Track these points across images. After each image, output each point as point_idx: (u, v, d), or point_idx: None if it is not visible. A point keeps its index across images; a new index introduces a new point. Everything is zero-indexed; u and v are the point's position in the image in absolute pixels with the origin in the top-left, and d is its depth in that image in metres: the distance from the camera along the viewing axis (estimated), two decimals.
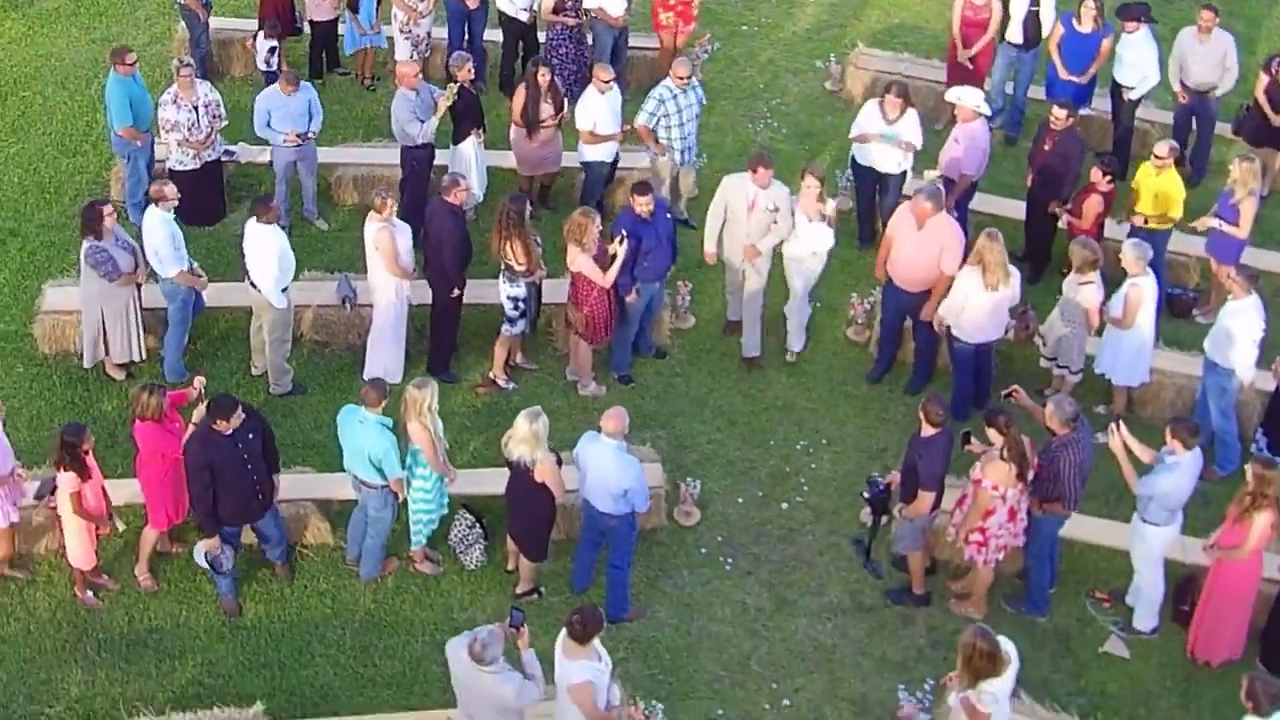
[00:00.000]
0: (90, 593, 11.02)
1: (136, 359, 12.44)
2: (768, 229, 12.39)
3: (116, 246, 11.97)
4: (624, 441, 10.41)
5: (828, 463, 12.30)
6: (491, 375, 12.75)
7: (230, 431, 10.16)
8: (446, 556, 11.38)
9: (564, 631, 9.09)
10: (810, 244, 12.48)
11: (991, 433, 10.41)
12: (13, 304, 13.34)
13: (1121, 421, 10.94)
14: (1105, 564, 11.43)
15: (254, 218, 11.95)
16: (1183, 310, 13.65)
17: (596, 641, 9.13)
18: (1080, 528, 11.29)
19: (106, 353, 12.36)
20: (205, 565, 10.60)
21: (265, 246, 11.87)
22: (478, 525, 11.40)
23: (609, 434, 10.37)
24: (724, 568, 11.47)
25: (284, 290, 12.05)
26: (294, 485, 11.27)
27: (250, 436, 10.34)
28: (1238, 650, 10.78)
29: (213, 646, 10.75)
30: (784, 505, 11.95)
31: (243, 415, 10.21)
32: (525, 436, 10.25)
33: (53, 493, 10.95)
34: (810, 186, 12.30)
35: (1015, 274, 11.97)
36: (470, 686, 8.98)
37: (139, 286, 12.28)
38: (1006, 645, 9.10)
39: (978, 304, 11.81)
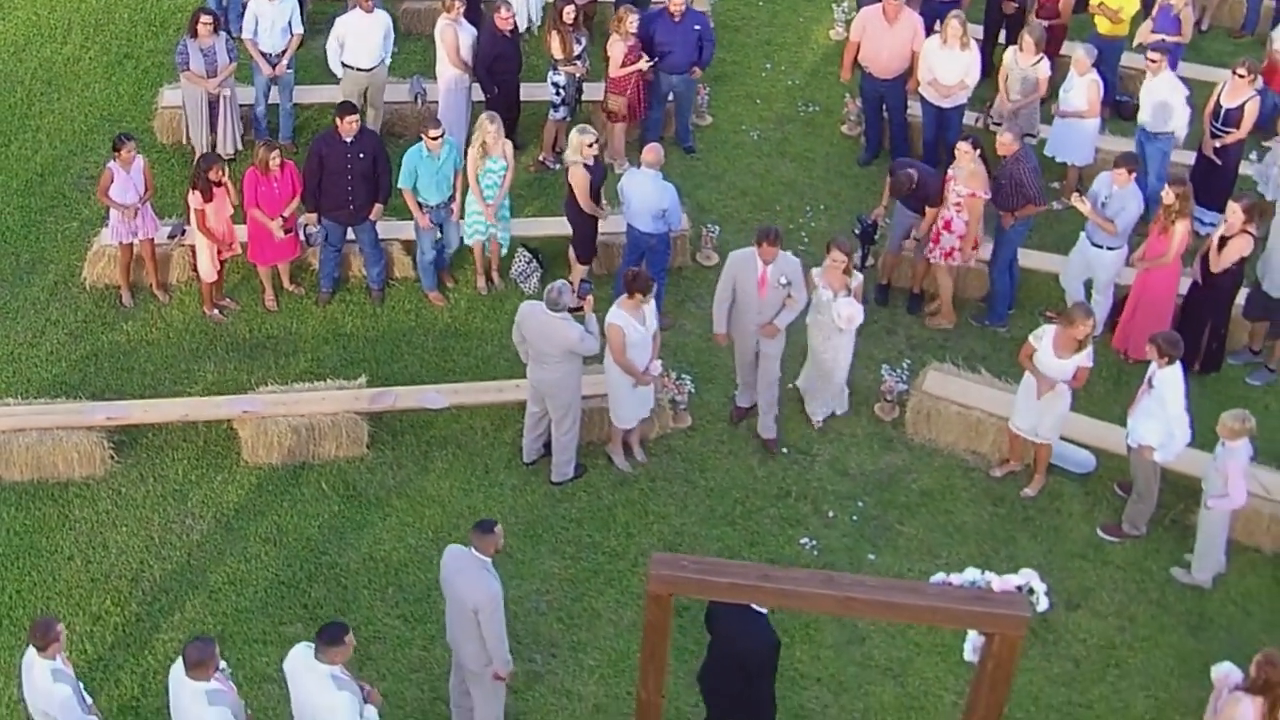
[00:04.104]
0: (216, 310, 13.36)
1: (205, 149, 14.52)
2: (782, 305, 11.90)
3: (197, 48, 14.18)
4: (660, 172, 12.76)
5: (825, 222, 14.64)
6: (541, 158, 15.09)
7: (348, 139, 12.57)
8: (511, 287, 13.72)
9: (623, 294, 11.44)
10: (838, 316, 11.89)
11: (965, 145, 12.80)
12: (133, 108, 15.71)
13: (1076, 191, 13.33)
14: (1053, 290, 13.70)
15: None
16: (1129, 114, 15.87)
17: (647, 310, 11.46)
18: (1033, 259, 13.69)
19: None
20: (303, 237, 13.04)
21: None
22: (534, 260, 13.76)
23: (648, 164, 12.75)
24: None
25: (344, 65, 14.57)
26: (382, 229, 13.59)
27: (362, 155, 12.75)
28: None
29: (320, 348, 13.11)
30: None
31: (360, 128, 12.73)
32: (576, 146, 12.74)
33: (183, 234, 13.37)
34: (836, 261, 11.84)
35: (974, 46, 14.36)
36: (541, 331, 11.30)
37: (217, 96, 14.41)
38: None
39: (942, 66, 14.27)
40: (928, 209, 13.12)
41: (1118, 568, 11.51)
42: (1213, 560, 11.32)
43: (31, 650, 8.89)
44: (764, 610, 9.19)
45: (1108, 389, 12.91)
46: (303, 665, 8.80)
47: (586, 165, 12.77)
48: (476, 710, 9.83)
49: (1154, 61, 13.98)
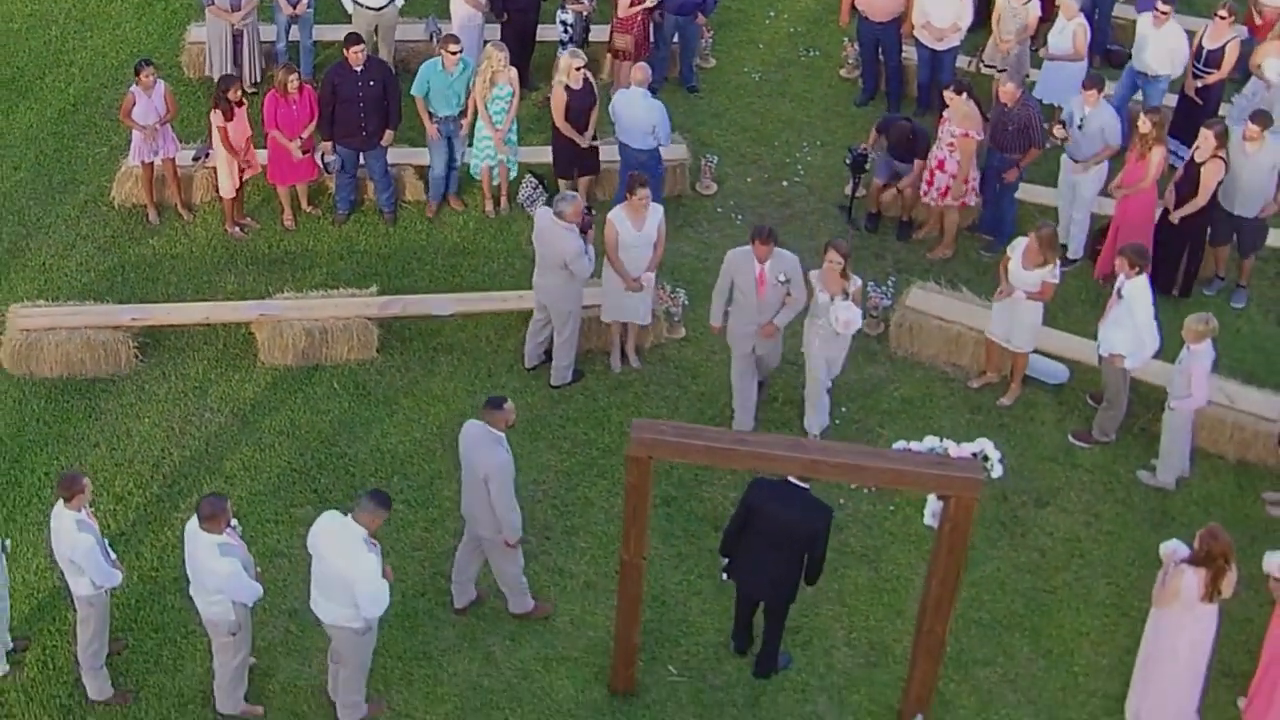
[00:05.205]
0: (237, 228, 14.06)
1: (230, 63, 15.16)
2: (781, 303, 11.79)
3: None
4: (649, 90, 13.45)
5: (820, 156, 15.28)
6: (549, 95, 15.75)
7: (358, 68, 13.25)
8: (517, 211, 14.39)
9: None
10: (836, 320, 11.62)
11: (953, 97, 13.40)
12: (161, 45, 16.42)
13: (1060, 123, 13.88)
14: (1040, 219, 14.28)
15: None
16: (1119, 62, 16.47)
17: (649, 218, 12.10)
18: (1020, 192, 14.27)
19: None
20: (321, 165, 13.73)
21: None
22: (540, 186, 14.44)
23: (637, 83, 13.48)
24: (734, 222, 14.47)
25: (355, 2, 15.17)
26: (393, 156, 14.30)
27: (372, 83, 13.41)
28: None
29: (334, 264, 13.80)
30: (784, 184, 14.94)
31: (369, 58, 13.33)
32: (564, 67, 13.56)
33: (207, 156, 14.07)
34: (833, 262, 11.50)
35: None
36: (546, 236, 11.98)
37: (241, 29, 15.13)
38: None
39: (935, 9, 14.93)
40: (916, 161, 13.80)
41: (1086, 470, 12.10)
42: (1176, 462, 11.89)
43: (59, 503, 9.58)
44: (807, 484, 9.69)
45: (1085, 310, 13.48)
46: (337, 528, 9.38)
47: (568, 87, 13.49)
48: (496, 575, 10.60)
49: (1164, 13, 14.52)
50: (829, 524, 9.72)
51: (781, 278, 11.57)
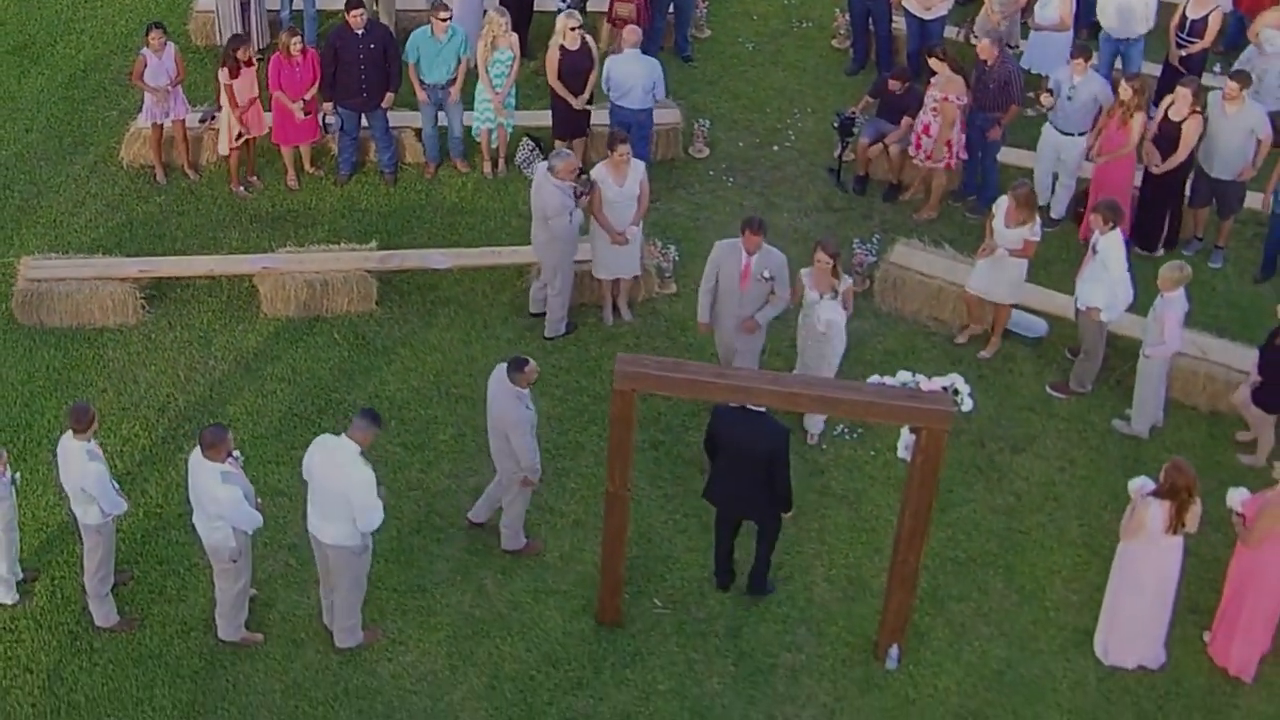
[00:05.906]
0: (241, 188, 14.47)
1: (238, 30, 15.57)
2: (765, 299, 11.87)
3: None
4: (639, 51, 13.84)
5: (811, 122, 15.66)
6: None
7: (359, 31, 13.65)
8: (515, 173, 14.79)
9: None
10: (819, 320, 11.70)
11: (934, 63, 13.79)
12: (170, 14, 16.79)
13: (1047, 91, 14.22)
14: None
15: None
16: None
17: (630, 173, 12.49)
18: (1011, 156, 14.65)
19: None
20: (322, 125, 14.18)
21: None
22: (537, 149, 14.83)
23: (630, 45, 13.87)
24: (726, 183, 14.86)
25: None
26: (394, 118, 14.70)
27: (373, 46, 13.80)
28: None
29: (336, 222, 14.20)
30: (775, 148, 15.32)
31: (368, 20, 13.70)
32: (560, 28, 13.99)
33: (213, 119, 14.47)
34: (822, 263, 11.55)
35: None
36: (538, 189, 12.38)
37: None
38: None
39: None
40: (904, 118, 14.15)
41: (1062, 419, 12.47)
42: (1150, 411, 12.25)
43: (68, 434, 9.99)
44: (763, 409, 10.09)
45: (1065, 269, 13.81)
46: (331, 447, 9.85)
47: (563, 47, 13.91)
48: (504, 509, 11.13)
49: None
50: (786, 442, 10.16)
51: (766, 274, 11.63)
